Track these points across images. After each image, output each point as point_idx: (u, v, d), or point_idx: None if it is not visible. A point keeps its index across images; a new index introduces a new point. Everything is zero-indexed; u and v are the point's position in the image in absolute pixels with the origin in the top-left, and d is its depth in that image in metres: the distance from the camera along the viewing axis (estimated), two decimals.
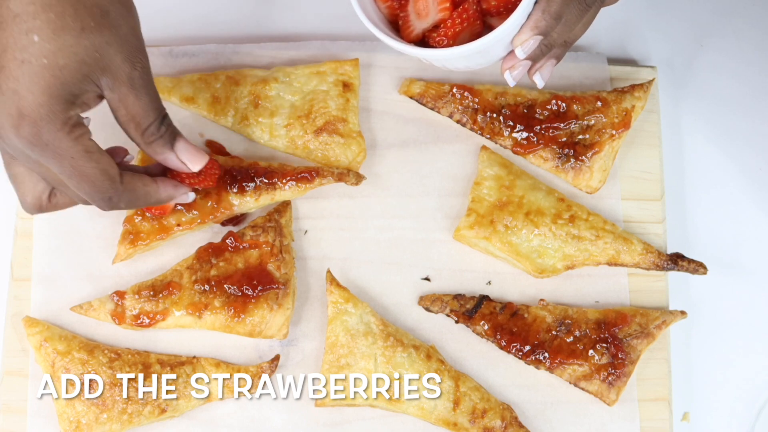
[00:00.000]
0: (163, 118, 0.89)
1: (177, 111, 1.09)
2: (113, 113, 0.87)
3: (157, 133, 0.89)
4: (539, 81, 0.91)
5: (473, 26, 0.91)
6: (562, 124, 1.08)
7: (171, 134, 0.91)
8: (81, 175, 0.85)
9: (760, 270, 1.13)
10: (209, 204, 1.03)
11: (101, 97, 0.86)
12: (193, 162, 0.93)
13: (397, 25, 0.94)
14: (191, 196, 0.97)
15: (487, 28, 0.91)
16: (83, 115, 0.87)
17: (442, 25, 0.90)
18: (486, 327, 1.05)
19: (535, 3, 0.85)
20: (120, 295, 1.02)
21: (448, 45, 0.90)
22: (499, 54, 0.90)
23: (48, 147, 0.82)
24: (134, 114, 0.86)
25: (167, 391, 1.01)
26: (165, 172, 0.96)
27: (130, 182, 0.90)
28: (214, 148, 1.08)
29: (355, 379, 1.02)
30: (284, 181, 1.04)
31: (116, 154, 0.93)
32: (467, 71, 1.11)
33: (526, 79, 1.11)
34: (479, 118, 1.09)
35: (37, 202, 0.90)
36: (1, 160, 0.91)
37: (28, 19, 0.79)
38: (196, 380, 1.02)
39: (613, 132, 1.08)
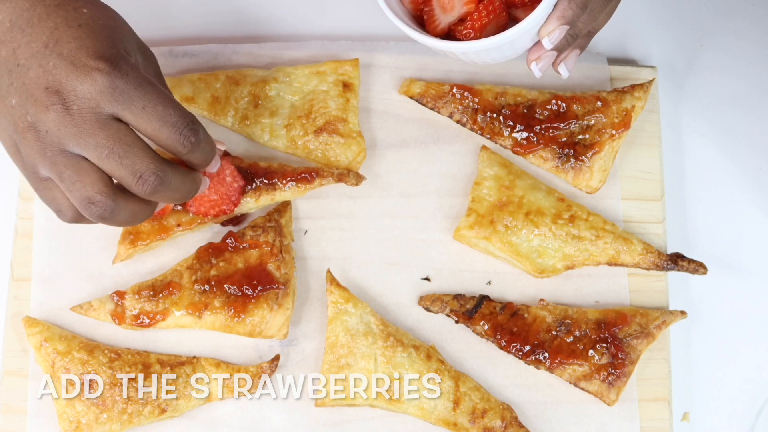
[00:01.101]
0: (192, 123, 0.85)
1: None
2: (141, 131, 0.83)
3: (189, 142, 0.85)
4: (564, 72, 0.91)
5: (499, 18, 0.90)
6: (562, 124, 1.08)
7: (207, 142, 0.89)
8: (158, 118, 0.82)
9: (760, 270, 1.13)
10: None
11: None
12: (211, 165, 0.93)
13: (421, 20, 0.93)
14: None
15: (512, 21, 0.90)
16: None
17: (468, 18, 0.90)
18: (486, 327, 1.05)
19: None
20: (120, 295, 1.02)
21: (476, 38, 0.90)
22: (526, 45, 0.89)
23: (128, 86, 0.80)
24: (155, 134, 0.83)
25: (167, 391, 1.01)
26: None
27: (177, 167, 0.86)
28: None
29: (355, 379, 1.02)
30: (284, 181, 1.04)
31: None
32: (475, 68, 1.10)
33: (532, 77, 1.12)
34: (479, 118, 1.09)
35: (77, 213, 0.86)
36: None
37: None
38: (196, 380, 1.02)
39: (613, 132, 1.08)
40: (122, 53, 0.83)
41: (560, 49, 0.89)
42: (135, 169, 0.82)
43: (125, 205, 0.84)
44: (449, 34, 0.92)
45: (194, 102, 1.07)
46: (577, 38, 0.89)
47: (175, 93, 1.07)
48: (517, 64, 1.12)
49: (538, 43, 0.89)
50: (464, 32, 0.90)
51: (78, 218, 0.86)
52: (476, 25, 0.90)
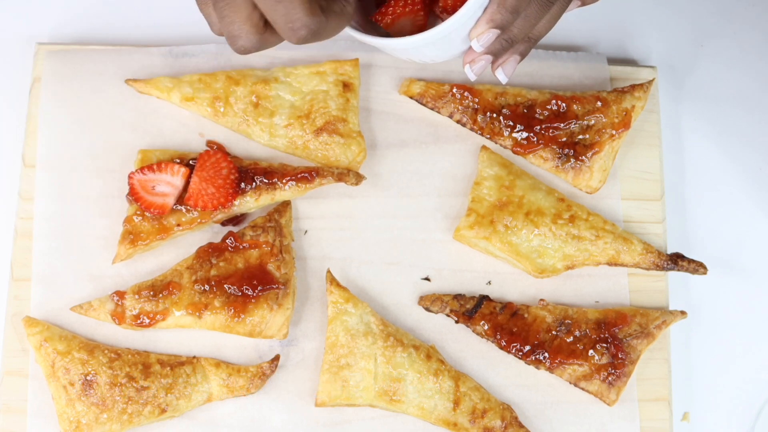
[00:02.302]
0: None
1: (177, 111, 1.09)
2: None
3: None
4: (502, 77, 0.90)
5: (416, 15, 0.90)
6: (562, 124, 1.08)
7: None
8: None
9: (760, 270, 1.13)
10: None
11: None
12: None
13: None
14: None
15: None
16: None
17: (385, 6, 0.90)
18: (486, 327, 1.05)
19: None
20: (120, 295, 1.02)
21: (387, 26, 0.90)
22: (459, 48, 0.89)
23: None
24: None
25: (167, 391, 1.01)
26: None
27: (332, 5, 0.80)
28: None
29: (355, 379, 1.02)
30: (284, 181, 1.04)
31: None
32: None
33: (528, 78, 1.12)
34: (479, 118, 1.09)
35: (255, 29, 0.79)
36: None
37: None
38: (196, 380, 1.02)
39: (613, 132, 1.08)
40: None
41: (495, 53, 0.88)
42: (288, 18, 0.77)
43: (269, 43, 0.80)
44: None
45: (194, 102, 1.07)
46: (514, 44, 0.88)
47: (175, 93, 1.07)
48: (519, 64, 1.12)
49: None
50: (377, 16, 0.90)
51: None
52: (389, 14, 0.90)
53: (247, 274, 1.02)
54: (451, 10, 0.89)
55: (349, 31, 0.89)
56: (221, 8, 0.79)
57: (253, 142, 1.09)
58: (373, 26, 0.94)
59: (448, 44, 0.88)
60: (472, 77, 0.90)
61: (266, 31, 0.80)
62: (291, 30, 0.77)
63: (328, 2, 0.79)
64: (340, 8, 0.80)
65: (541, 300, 1.06)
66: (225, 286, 1.02)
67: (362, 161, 1.08)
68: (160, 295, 1.02)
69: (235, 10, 0.79)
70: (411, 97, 1.10)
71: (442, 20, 0.92)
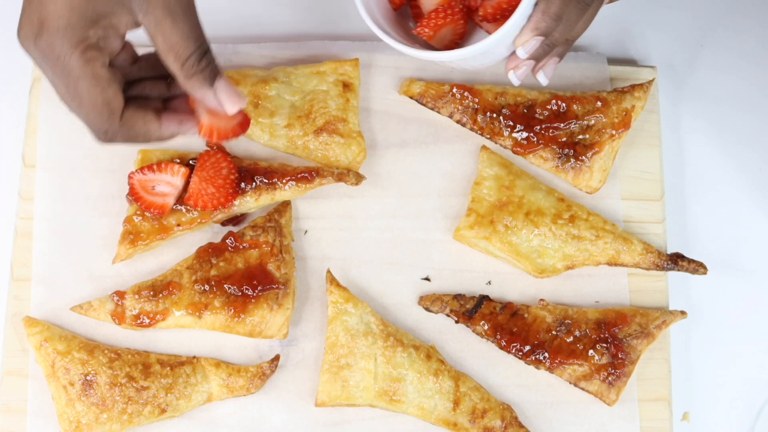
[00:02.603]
0: (205, 51, 0.85)
1: None
2: (152, 42, 0.83)
3: (197, 66, 0.84)
4: (543, 79, 0.93)
5: (456, 24, 0.92)
6: (562, 124, 1.08)
7: (212, 71, 0.85)
8: (81, 99, 0.83)
9: (760, 270, 1.13)
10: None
11: (137, 24, 0.83)
12: (230, 103, 0.87)
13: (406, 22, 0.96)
14: (194, 131, 0.91)
15: (478, 33, 0.94)
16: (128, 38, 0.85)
17: (425, 18, 0.91)
18: (486, 327, 1.05)
19: (535, 4, 0.86)
20: (120, 295, 1.02)
21: (429, 37, 0.93)
22: (502, 54, 0.92)
23: (58, 61, 0.81)
24: (172, 42, 0.82)
25: (167, 391, 1.01)
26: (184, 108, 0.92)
27: (130, 119, 0.86)
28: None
29: (355, 379, 1.02)
30: (284, 181, 1.04)
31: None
32: (469, 71, 1.11)
33: (530, 78, 1.12)
34: (479, 118, 1.09)
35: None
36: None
37: None
38: (196, 380, 1.02)
39: (613, 132, 1.08)
40: (71, 23, 0.81)
41: (537, 58, 0.91)
42: (85, 124, 0.85)
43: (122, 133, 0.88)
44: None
45: None
46: (554, 47, 0.90)
47: None
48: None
49: (515, 52, 0.91)
50: (419, 29, 0.92)
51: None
52: (431, 26, 0.94)
53: (247, 274, 1.02)
54: (492, 19, 0.92)
55: (394, 45, 0.92)
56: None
57: (253, 142, 1.09)
58: (412, 37, 0.95)
59: (493, 53, 0.91)
60: (517, 82, 0.93)
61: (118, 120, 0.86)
62: (91, 131, 0.85)
63: (133, 114, 0.86)
64: (143, 124, 0.87)
65: (541, 300, 1.06)
66: (225, 286, 1.02)
67: (362, 161, 1.08)
68: (160, 295, 1.02)
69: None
70: (411, 97, 1.10)
71: (481, 27, 0.95)
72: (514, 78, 0.92)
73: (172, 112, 0.90)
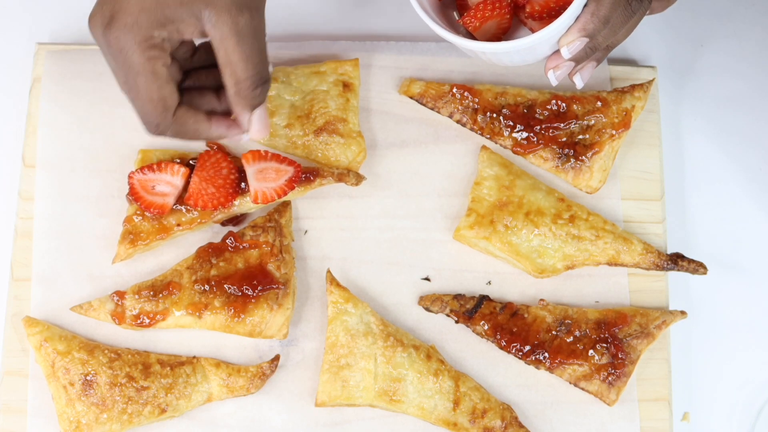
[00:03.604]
0: (264, 81, 0.89)
1: None
2: (215, 52, 0.87)
3: (250, 92, 0.89)
4: (579, 82, 0.95)
5: (502, 18, 0.94)
6: (562, 124, 1.08)
7: (259, 100, 0.91)
8: (138, 93, 0.87)
9: (760, 270, 1.13)
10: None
11: (203, 34, 0.86)
12: (258, 131, 0.93)
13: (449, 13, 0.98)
14: (245, 138, 0.95)
15: (521, 30, 0.95)
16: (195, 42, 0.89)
17: (473, 9, 0.93)
18: (486, 327, 1.05)
19: (584, 6, 0.87)
20: (120, 295, 1.02)
21: (475, 28, 0.94)
22: (545, 53, 0.93)
23: (121, 54, 0.85)
24: (232, 61, 0.87)
25: (167, 391, 1.01)
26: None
27: (182, 116, 0.90)
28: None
29: (355, 379, 1.02)
30: None
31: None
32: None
33: (530, 78, 1.12)
34: (479, 118, 1.09)
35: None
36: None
37: None
38: (196, 380, 1.02)
39: (613, 132, 1.08)
40: (138, 21, 0.84)
41: (578, 60, 0.91)
42: (139, 116, 0.89)
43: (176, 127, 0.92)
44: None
45: None
46: (595, 51, 0.91)
47: None
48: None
49: (557, 52, 0.92)
50: (466, 19, 0.93)
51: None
52: (478, 17, 0.94)
53: (247, 274, 1.02)
54: (538, 17, 0.93)
55: (442, 33, 0.93)
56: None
57: (263, 145, 1.09)
58: (454, 28, 0.96)
59: (537, 50, 0.91)
60: (555, 82, 0.93)
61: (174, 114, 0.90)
62: (143, 123, 0.90)
63: (186, 113, 0.90)
64: (194, 122, 0.91)
65: (541, 300, 1.06)
66: (225, 286, 1.02)
67: (362, 161, 1.08)
68: (160, 295, 1.02)
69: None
70: (411, 97, 1.10)
71: (525, 25, 0.96)
72: (553, 78, 0.93)
73: (222, 117, 0.93)
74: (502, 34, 0.97)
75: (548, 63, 0.93)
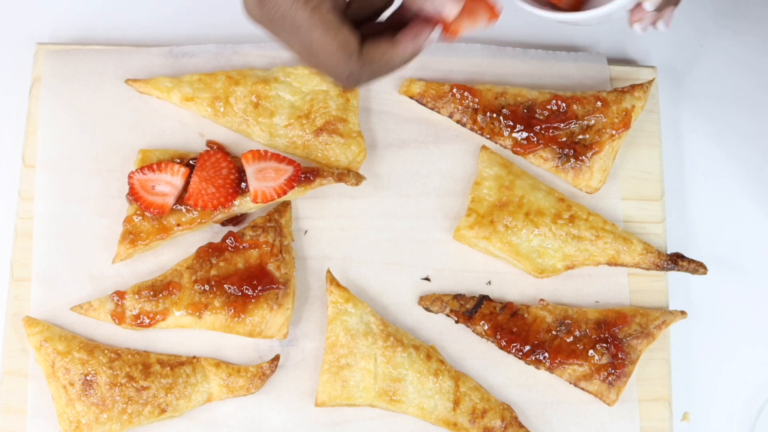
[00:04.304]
0: None
1: (177, 111, 1.09)
2: None
3: None
4: (663, 27, 0.95)
5: None
6: (562, 124, 1.08)
7: None
8: (317, 50, 0.81)
9: (760, 270, 1.13)
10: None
11: None
12: (446, 6, 0.84)
13: None
14: (436, 35, 0.86)
15: None
16: None
17: None
18: (486, 327, 1.05)
19: None
20: (120, 295, 1.02)
21: (559, 2, 0.94)
22: (627, 8, 0.93)
23: (285, 19, 0.80)
24: None
25: (167, 391, 1.01)
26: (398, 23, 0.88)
27: (368, 54, 0.83)
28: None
29: (355, 379, 1.02)
30: None
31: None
32: (469, 71, 1.11)
33: (530, 78, 1.12)
34: (479, 118, 1.09)
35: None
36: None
37: None
38: (196, 380, 1.02)
39: (613, 132, 1.08)
40: None
41: (660, 8, 0.93)
42: (327, 73, 0.84)
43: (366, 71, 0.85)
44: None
45: (194, 102, 1.07)
46: None
47: (175, 93, 1.07)
48: (517, 63, 1.12)
49: (638, 5, 0.92)
50: None
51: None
52: None
53: (247, 274, 1.02)
54: None
55: (528, 8, 0.93)
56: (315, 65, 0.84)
57: (253, 142, 1.09)
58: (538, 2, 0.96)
59: (624, 9, 0.93)
60: (641, 33, 0.94)
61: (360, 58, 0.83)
62: (335, 80, 0.84)
63: (369, 49, 0.83)
64: (382, 53, 0.84)
65: (541, 300, 1.06)
66: (225, 286, 1.02)
67: (362, 161, 1.08)
68: (160, 295, 1.02)
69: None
70: (411, 97, 1.10)
71: None
72: (639, 29, 0.94)
73: (402, 32, 0.86)
74: (579, 3, 0.97)
75: (633, 16, 0.93)
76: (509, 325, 1.05)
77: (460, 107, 1.09)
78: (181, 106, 1.08)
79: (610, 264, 1.07)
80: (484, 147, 1.10)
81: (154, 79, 1.08)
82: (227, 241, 1.04)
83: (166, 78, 1.08)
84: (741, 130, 1.16)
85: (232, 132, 1.09)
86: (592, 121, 1.08)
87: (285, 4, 0.80)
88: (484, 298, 1.06)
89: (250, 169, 1.02)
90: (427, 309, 1.06)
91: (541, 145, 1.08)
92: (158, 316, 1.02)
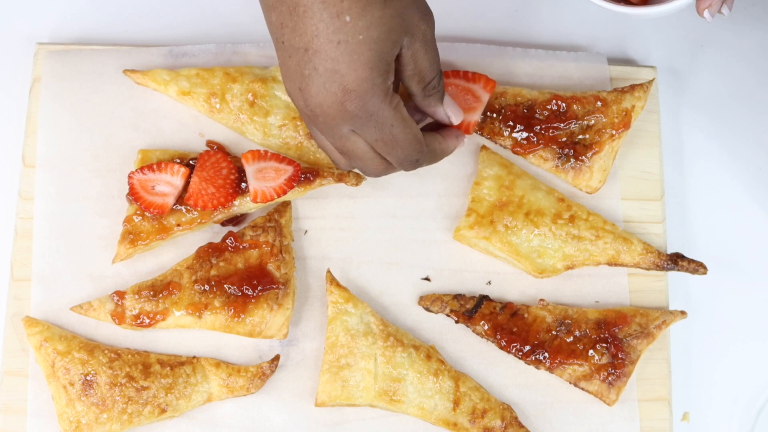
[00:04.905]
0: (441, 75, 0.94)
1: (177, 111, 1.09)
2: (401, 69, 0.90)
3: (436, 87, 0.93)
4: (727, 11, 0.97)
5: None
6: (562, 124, 1.08)
7: (442, 90, 0.95)
8: (396, 142, 0.91)
9: (760, 270, 1.13)
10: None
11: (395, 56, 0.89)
12: (454, 116, 0.98)
13: None
14: (465, 140, 1.02)
15: None
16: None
17: None
18: (486, 327, 1.05)
19: None
20: (120, 295, 1.02)
21: None
22: None
23: (371, 118, 0.88)
24: (421, 68, 0.90)
25: (167, 391, 1.01)
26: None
27: (430, 143, 0.96)
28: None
29: (355, 379, 1.02)
30: None
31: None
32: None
33: (527, 78, 1.12)
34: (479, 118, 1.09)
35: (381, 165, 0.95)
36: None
37: (337, 3, 0.83)
38: (196, 380, 1.02)
39: (613, 132, 1.08)
40: (375, 82, 0.86)
41: None
42: (398, 161, 0.94)
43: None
44: None
45: (191, 96, 1.07)
46: None
47: (172, 86, 1.07)
48: (517, 63, 1.12)
49: None
50: None
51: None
52: None
53: (247, 274, 1.02)
54: None
55: (603, 4, 0.95)
56: (351, 160, 0.95)
57: (257, 144, 1.09)
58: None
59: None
60: (711, 19, 0.96)
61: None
62: (403, 166, 0.95)
63: (427, 139, 0.95)
64: (437, 144, 0.98)
65: (541, 300, 1.06)
66: (225, 286, 1.02)
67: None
68: (160, 295, 1.02)
69: (361, 159, 0.94)
70: None
71: None
72: (709, 15, 0.95)
73: (448, 130, 1.00)
74: None
75: (701, 4, 0.95)
76: (509, 325, 1.05)
77: None
78: (178, 100, 1.08)
79: (610, 264, 1.07)
80: (484, 147, 1.10)
81: (152, 71, 1.08)
82: (227, 241, 1.04)
83: (164, 71, 1.08)
84: (741, 130, 1.16)
85: (232, 132, 1.09)
86: (592, 121, 1.08)
87: (374, 105, 0.87)
88: (484, 298, 1.06)
89: (249, 169, 1.02)
90: (427, 309, 1.06)
91: (541, 145, 1.08)
92: (158, 316, 1.02)
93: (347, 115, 0.87)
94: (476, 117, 1.04)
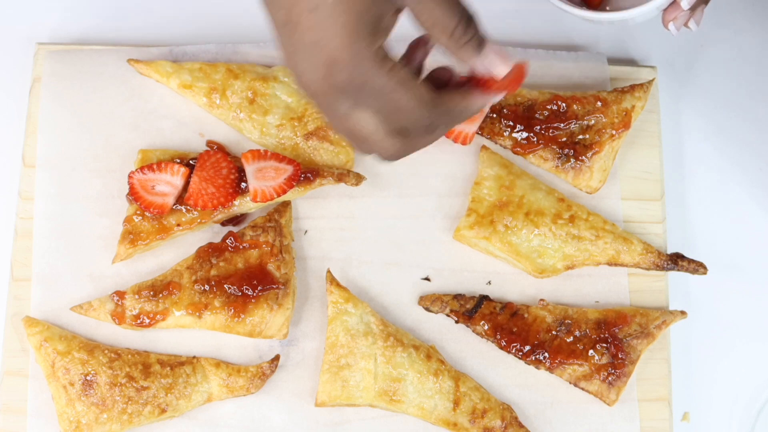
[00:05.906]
0: (469, 21, 0.81)
1: (176, 110, 1.09)
2: (416, 20, 0.80)
3: (464, 36, 0.80)
4: (694, 26, 0.96)
5: None
6: (562, 124, 1.08)
7: (479, 39, 0.81)
8: (401, 109, 0.79)
9: (760, 270, 1.13)
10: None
11: (398, 11, 0.79)
12: (498, 66, 0.83)
13: None
14: (499, 97, 0.86)
15: None
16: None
17: None
18: (486, 327, 1.05)
19: None
20: (120, 295, 1.02)
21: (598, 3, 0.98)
22: (662, 8, 0.95)
23: (364, 87, 0.78)
24: (436, 17, 0.79)
25: (167, 391, 1.01)
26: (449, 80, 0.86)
27: (446, 102, 0.82)
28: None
29: (355, 379, 1.02)
30: None
31: (417, 49, 0.85)
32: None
33: (527, 78, 1.12)
34: None
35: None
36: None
37: None
38: (196, 380, 1.02)
39: (613, 132, 1.08)
40: (359, 46, 0.76)
41: (694, 6, 0.94)
42: (408, 129, 0.82)
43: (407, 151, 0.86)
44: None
45: (191, 89, 1.07)
46: None
47: (174, 78, 1.07)
48: None
49: (673, 3, 0.94)
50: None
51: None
52: None
53: (247, 274, 1.02)
54: None
55: (565, 7, 0.96)
56: (360, 143, 0.83)
57: (254, 142, 1.09)
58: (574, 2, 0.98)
59: (662, 7, 0.95)
60: (676, 33, 0.96)
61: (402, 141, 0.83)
62: (415, 132, 0.82)
63: (445, 97, 0.82)
64: (455, 103, 0.83)
65: (541, 300, 1.06)
66: (225, 286, 1.02)
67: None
68: (160, 295, 1.02)
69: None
70: None
71: None
72: (674, 28, 0.95)
73: (467, 84, 0.85)
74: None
75: (667, 16, 0.94)
76: (509, 325, 1.05)
77: None
78: (178, 92, 1.08)
79: (610, 264, 1.07)
80: (484, 147, 1.10)
81: (155, 63, 1.08)
82: (227, 241, 1.04)
83: (167, 63, 1.08)
84: (741, 130, 1.16)
85: (232, 132, 1.09)
86: (592, 121, 1.08)
87: (361, 73, 0.77)
88: (484, 298, 1.06)
89: (249, 169, 1.02)
90: (427, 309, 1.06)
91: (541, 145, 1.08)
92: (158, 316, 1.02)
93: (338, 88, 0.77)
94: (475, 128, 1.04)
